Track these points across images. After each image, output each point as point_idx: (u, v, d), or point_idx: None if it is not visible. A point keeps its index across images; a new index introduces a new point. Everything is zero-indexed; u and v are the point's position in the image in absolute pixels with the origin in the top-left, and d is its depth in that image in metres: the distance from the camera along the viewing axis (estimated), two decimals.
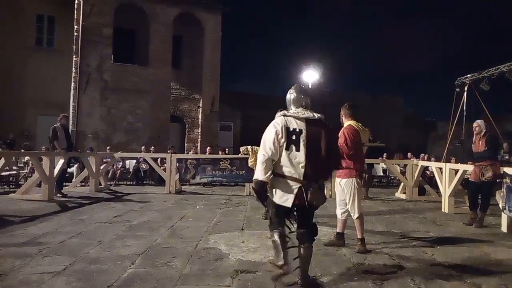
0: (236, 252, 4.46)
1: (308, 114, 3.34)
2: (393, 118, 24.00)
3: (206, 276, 3.62)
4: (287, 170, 3.23)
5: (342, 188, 4.75)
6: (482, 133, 6.54)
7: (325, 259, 4.26)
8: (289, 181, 3.23)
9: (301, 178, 3.21)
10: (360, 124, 4.86)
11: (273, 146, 3.20)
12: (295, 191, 3.20)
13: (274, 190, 3.29)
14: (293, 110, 3.41)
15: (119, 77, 16.28)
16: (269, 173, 3.22)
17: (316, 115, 3.36)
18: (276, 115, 3.42)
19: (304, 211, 3.32)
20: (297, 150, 3.23)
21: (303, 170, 3.21)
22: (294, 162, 3.22)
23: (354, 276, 3.70)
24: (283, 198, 3.23)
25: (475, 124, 6.68)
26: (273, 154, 3.21)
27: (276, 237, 3.21)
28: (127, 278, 3.53)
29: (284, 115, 3.34)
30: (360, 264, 4.11)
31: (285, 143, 3.23)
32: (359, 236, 4.67)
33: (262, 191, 3.26)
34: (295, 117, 3.31)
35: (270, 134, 3.25)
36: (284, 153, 3.23)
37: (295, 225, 3.42)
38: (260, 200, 3.39)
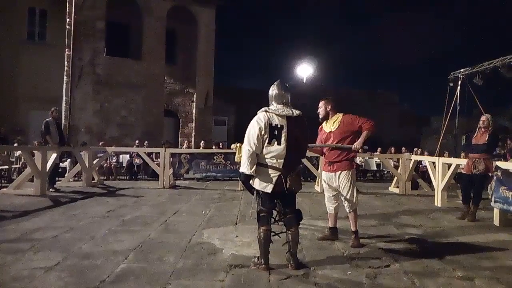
0: (230, 247, 4.45)
1: (288, 111, 3.64)
2: (388, 113, 24.07)
3: (199, 271, 3.62)
4: (268, 160, 3.59)
5: (340, 181, 4.59)
6: (489, 128, 6.51)
7: (319, 253, 4.27)
8: (269, 170, 3.58)
9: (281, 167, 3.57)
10: None
11: (257, 142, 3.53)
12: (275, 179, 3.57)
13: (256, 178, 3.64)
14: (274, 106, 3.70)
15: (112, 71, 16.15)
16: (255, 167, 3.56)
17: (295, 112, 3.67)
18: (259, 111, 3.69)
19: (286, 197, 3.69)
20: (279, 144, 3.56)
21: (282, 160, 3.57)
22: (275, 155, 3.57)
23: (348, 270, 3.72)
24: (263, 185, 3.60)
25: (483, 118, 6.61)
26: (257, 149, 3.54)
27: (261, 235, 3.58)
28: (120, 273, 3.51)
29: (266, 111, 3.63)
30: (354, 258, 4.12)
31: (267, 138, 3.55)
32: (353, 229, 4.66)
33: (248, 182, 3.68)
34: (276, 114, 3.60)
35: (254, 130, 3.55)
36: (266, 146, 3.57)
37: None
38: (248, 190, 3.77)
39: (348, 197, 4.61)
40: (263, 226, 3.59)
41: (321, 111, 4.80)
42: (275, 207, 3.74)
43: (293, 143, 3.59)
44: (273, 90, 3.78)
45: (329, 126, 4.73)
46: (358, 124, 4.55)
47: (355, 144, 4.49)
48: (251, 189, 3.72)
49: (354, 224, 4.67)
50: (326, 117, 4.78)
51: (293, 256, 3.68)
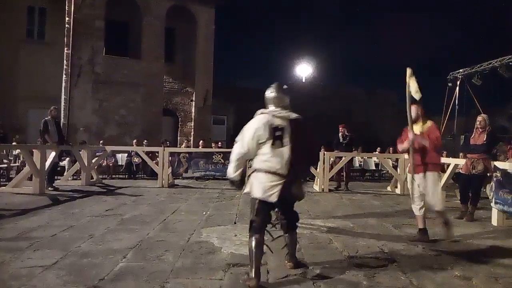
0: (229, 246, 4.46)
1: (288, 114, 3.38)
2: (386, 113, 24.08)
3: (198, 270, 3.62)
4: (268, 165, 3.27)
5: (427, 181, 4.82)
6: (486, 128, 6.52)
7: (318, 253, 4.28)
8: (273, 176, 3.26)
9: (286, 173, 3.25)
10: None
11: (251, 144, 3.28)
12: (280, 186, 3.24)
13: (257, 185, 3.31)
14: (272, 108, 3.43)
15: (111, 70, 16.14)
16: (240, 171, 3.41)
17: (292, 115, 3.39)
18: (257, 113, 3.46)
19: (287, 204, 3.45)
20: (282, 145, 3.27)
21: (287, 165, 3.26)
22: (280, 158, 3.26)
23: (346, 269, 3.72)
24: (267, 193, 3.26)
25: (480, 118, 6.63)
26: (249, 151, 3.31)
27: (253, 244, 3.25)
28: (118, 271, 3.51)
29: (263, 113, 3.38)
30: (352, 257, 4.13)
31: (270, 140, 3.26)
32: (444, 222, 4.88)
33: (235, 185, 3.53)
34: (277, 116, 3.34)
35: (249, 132, 3.30)
36: (269, 149, 3.27)
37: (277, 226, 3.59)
38: (237, 187, 3.59)
39: (434, 198, 4.86)
40: (255, 235, 3.27)
41: (413, 113, 5.04)
42: (270, 220, 3.46)
43: (297, 147, 3.29)
44: (271, 93, 3.51)
45: (416, 129, 4.97)
46: (433, 139, 4.83)
47: (412, 133, 4.84)
48: (241, 187, 3.53)
49: (444, 217, 4.90)
50: (416, 120, 5.03)
51: (291, 257, 3.65)
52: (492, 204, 6.22)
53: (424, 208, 4.98)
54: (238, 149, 3.36)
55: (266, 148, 3.28)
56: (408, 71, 4.87)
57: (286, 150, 3.27)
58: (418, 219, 5.04)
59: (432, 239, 4.92)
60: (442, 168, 6.02)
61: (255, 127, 3.30)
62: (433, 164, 4.90)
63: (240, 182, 3.51)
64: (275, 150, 3.27)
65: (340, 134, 10.77)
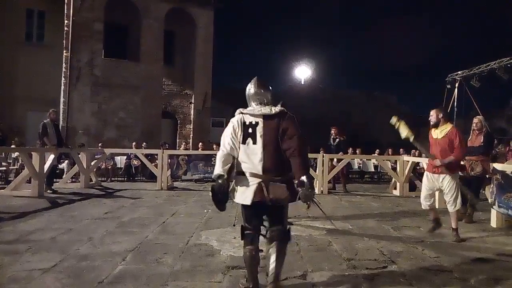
0: (228, 248, 4.46)
1: (265, 110, 3.11)
2: (385, 115, 24.04)
3: (197, 272, 3.62)
4: (245, 165, 3.07)
5: (444, 183, 5.09)
6: (482, 130, 6.57)
7: (317, 255, 4.28)
8: (248, 177, 3.04)
9: (261, 173, 3.01)
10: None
11: (231, 141, 3.08)
12: (254, 187, 3.00)
13: (234, 189, 3.13)
14: (253, 106, 3.21)
15: (110, 73, 16.13)
16: (227, 166, 3.07)
17: (274, 110, 3.11)
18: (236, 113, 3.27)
19: (271, 210, 3.07)
20: (254, 143, 3.05)
21: (261, 163, 3.02)
22: (252, 156, 3.05)
23: (345, 272, 3.73)
24: (242, 196, 3.05)
25: (476, 120, 6.69)
26: (231, 149, 3.08)
27: (247, 255, 3.10)
28: (117, 274, 3.51)
29: (241, 113, 3.20)
30: (351, 259, 4.13)
31: (241, 137, 3.08)
32: (454, 227, 5.18)
33: (219, 188, 3.03)
34: (251, 114, 3.14)
35: (228, 131, 3.14)
36: (241, 147, 3.08)
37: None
38: (215, 203, 3.11)
39: (452, 198, 5.11)
40: (248, 246, 3.09)
41: (432, 118, 5.28)
42: (262, 224, 3.19)
43: (272, 142, 3.03)
44: (249, 89, 3.29)
45: (437, 133, 5.23)
46: (455, 145, 5.04)
47: (437, 160, 5.07)
48: (220, 203, 3.10)
49: (455, 222, 5.19)
50: (436, 124, 5.24)
51: (273, 278, 2.99)
52: (496, 208, 6.16)
53: (432, 203, 5.35)
54: (220, 148, 3.16)
55: (242, 148, 3.09)
56: (393, 120, 5.25)
57: (258, 147, 3.04)
58: (429, 212, 5.43)
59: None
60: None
61: (231, 126, 3.14)
62: (453, 166, 5.11)
63: (223, 200, 3.09)
64: (249, 149, 3.06)
65: (331, 136, 10.95)
